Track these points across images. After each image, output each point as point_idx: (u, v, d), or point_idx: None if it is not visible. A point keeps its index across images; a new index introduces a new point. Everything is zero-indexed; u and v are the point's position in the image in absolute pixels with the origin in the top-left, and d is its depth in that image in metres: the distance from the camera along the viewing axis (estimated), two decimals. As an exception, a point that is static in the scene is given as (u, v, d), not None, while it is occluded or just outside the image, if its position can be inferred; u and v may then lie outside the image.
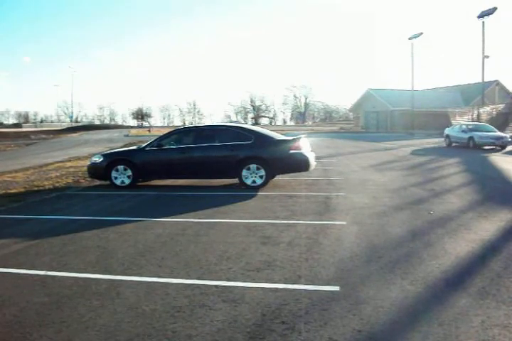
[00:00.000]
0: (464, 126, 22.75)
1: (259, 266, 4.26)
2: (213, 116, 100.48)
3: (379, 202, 7.44)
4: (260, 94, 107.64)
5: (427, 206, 7.08)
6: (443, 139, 23.96)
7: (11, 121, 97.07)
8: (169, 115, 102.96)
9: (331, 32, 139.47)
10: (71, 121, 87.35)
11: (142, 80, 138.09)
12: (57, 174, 12.10)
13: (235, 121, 77.64)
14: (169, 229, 5.74)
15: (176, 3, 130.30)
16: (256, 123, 78.92)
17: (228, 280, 3.91)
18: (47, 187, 9.71)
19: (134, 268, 4.27)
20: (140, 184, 9.82)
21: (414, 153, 19.25)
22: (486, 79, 36.74)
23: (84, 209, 7.35)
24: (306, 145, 9.37)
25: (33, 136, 41.68)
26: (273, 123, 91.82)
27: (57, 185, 10.13)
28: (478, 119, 34.89)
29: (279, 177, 9.81)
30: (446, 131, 23.82)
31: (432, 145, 23.61)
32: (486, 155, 17.62)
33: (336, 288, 3.66)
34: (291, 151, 9.06)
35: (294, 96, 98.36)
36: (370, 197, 7.90)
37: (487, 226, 5.67)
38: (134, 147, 11.22)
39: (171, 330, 3.01)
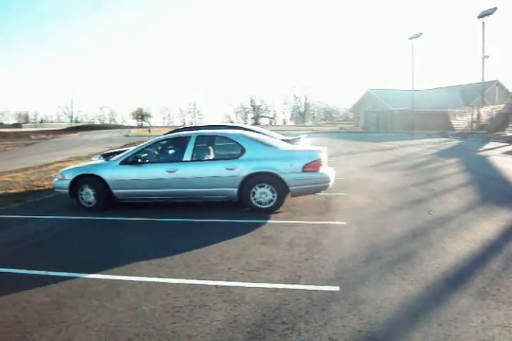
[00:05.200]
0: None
1: (259, 266, 4.26)
2: (213, 116, 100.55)
3: (379, 202, 7.44)
4: (260, 94, 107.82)
5: (426, 206, 7.08)
6: (444, 139, 23.84)
7: (11, 121, 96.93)
8: (169, 115, 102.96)
9: (331, 32, 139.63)
10: (71, 121, 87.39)
11: (142, 80, 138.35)
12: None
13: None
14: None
15: (175, 3, 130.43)
16: (256, 124, 78.90)
17: (228, 280, 3.91)
18: (47, 187, 9.70)
19: (134, 268, 4.27)
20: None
21: (414, 153, 19.23)
22: (486, 79, 36.71)
23: (84, 209, 7.34)
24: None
25: (33, 136, 41.69)
26: (273, 123, 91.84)
27: (57, 185, 10.12)
28: (479, 119, 34.92)
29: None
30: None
31: (432, 145, 23.61)
32: (485, 155, 17.62)
33: (336, 288, 3.67)
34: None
35: (294, 96, 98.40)
36: (370, 197, 7.90)
37: (487, 226, 5.67)
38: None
39: (171, 330, 3.01)
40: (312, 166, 6.66)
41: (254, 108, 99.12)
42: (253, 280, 3.88)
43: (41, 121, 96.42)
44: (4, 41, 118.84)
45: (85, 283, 3.90)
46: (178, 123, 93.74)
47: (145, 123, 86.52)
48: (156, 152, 7.52)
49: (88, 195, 7.18)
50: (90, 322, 3.14)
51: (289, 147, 7.44)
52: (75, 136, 45.99)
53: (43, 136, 42.68)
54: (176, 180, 6.83)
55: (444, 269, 4.11)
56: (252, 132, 7.86)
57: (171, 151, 7.75)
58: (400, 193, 8.47)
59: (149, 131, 50.28)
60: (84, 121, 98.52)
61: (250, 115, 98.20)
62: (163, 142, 7.84)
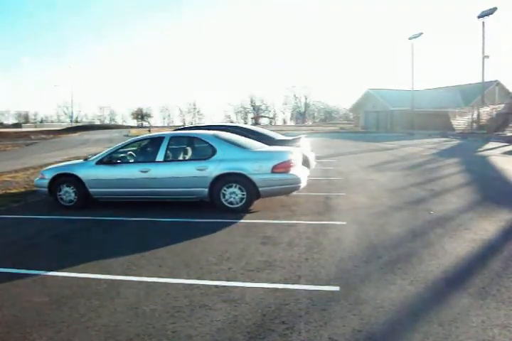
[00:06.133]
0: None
1: (259, 266, 4.26)
2: (213, 116, 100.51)
3: (379, 202, 7.44)
4: (260, 94, 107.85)
5: (426, 206, 7.08)
6: (443, 139, 23.79)
7: (11, 121, 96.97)
8: (169, 115, 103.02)
9: (331, 32, 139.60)
10: (71, 121, 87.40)
11: (142, 80, 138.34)
12: (57, 174, 12.08)
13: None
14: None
15: (175, 4, 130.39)
16: (256, 124, 78.89)
17: (228, 280, 3.91)
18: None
19: (134, 268, 4.27)
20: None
21: (414, 153, 19.24)
22: (486, 79, 36.73)
23: (84, 209, 7.33)
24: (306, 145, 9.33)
25: (33, 136, 41.65)
26: (273, 123, 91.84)
27: (57, 185, 10.11)
28: (479, 119, 34.92)
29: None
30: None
31: (432, 145, 23.61)
32: (485, 154, 17.63)
33: (336, 288, 3.67)
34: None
35: (294, 96, 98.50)
36: (370, 197, 7.89)
37: (487, 226, 5.67)
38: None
39: (171, 330, 3.01)
40: (282, 167, 6.66)
41: (254, 108, 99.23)
42: (253, 280, 3.88)
43: (41, 121, 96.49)
44: (5, 42, 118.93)
45: (85, 283, 3.90)
46: (178, 123, 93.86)
47: (145, 123, 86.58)
48: (130, 152, 7.65)
49: (67, 193, 7.35)
50: (90, 322, 3.14)
51: (262, 148, 7.44)
52: (75, 136, 45.97)
53: (43, 136, 42.65)
54: (149, 180, 6.93)
55: (444, 269, 4.11)
56: (226, 133, 7.84)
57: (145, 152, 7.86)
58: (400, 193, 8.47)
59: (149, 130, 50.15)
60: (85, 121, 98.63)
61: (250, 115, 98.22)
62: (138, 143, 8.03)
